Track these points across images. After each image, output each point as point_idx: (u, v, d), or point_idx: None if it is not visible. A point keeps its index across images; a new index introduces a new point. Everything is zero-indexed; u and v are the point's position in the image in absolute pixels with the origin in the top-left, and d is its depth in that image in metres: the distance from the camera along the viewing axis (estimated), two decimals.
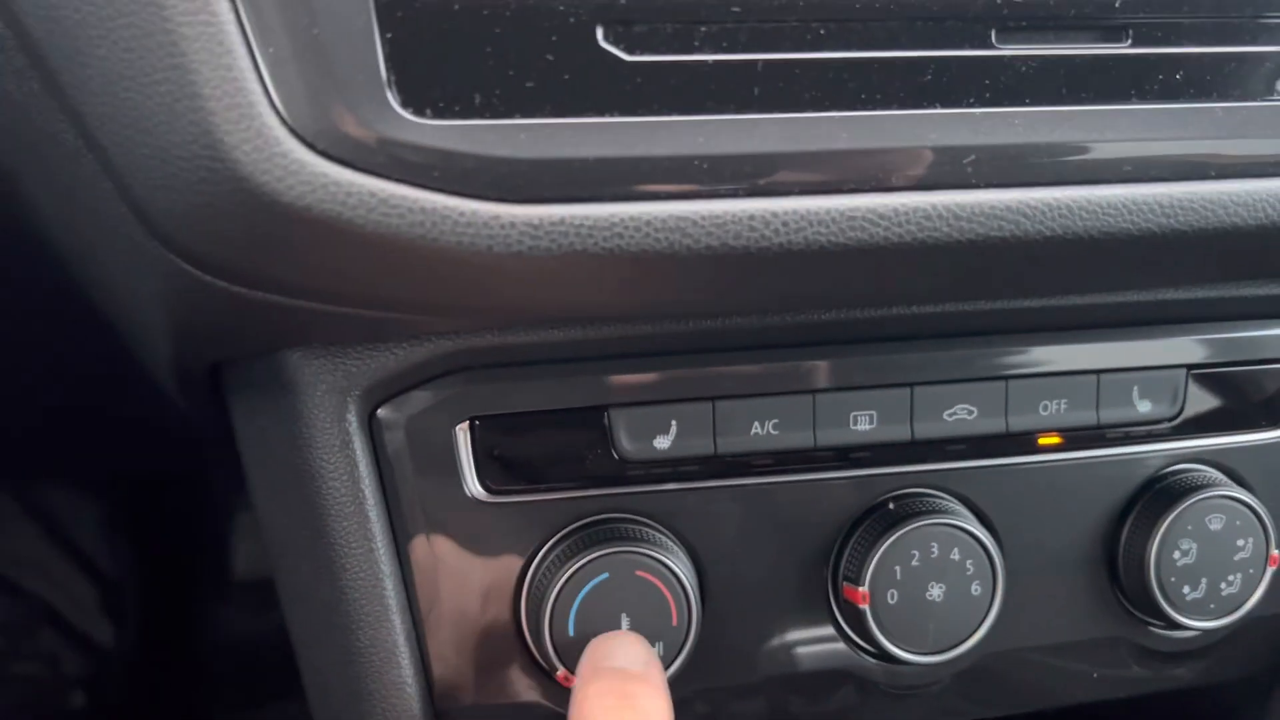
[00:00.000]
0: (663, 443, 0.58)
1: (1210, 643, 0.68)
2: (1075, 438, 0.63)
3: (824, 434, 0.60)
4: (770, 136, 0.43)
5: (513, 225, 0.41)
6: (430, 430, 0.55)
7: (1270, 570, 0.64)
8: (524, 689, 0.59)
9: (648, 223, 0.42)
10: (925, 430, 0.61)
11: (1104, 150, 0.46)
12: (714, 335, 0.57)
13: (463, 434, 0.56)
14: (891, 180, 0.44)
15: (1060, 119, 0.46)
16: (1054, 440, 0.62)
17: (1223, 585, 0.64)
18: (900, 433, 0.61)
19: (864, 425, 0.60)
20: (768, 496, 0.60)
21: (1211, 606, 0.64)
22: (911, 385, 0.60)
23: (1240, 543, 0.63)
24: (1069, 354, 0.62)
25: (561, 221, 0.42)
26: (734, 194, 0.43)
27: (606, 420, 0.57)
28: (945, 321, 0.59)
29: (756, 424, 0.59)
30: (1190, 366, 0.64)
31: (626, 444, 0.58)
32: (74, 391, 0.79)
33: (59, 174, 0.46)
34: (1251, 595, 0.64)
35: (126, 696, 1.31)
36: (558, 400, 0.57)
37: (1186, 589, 0.63)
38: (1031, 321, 0.61)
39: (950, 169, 0.45)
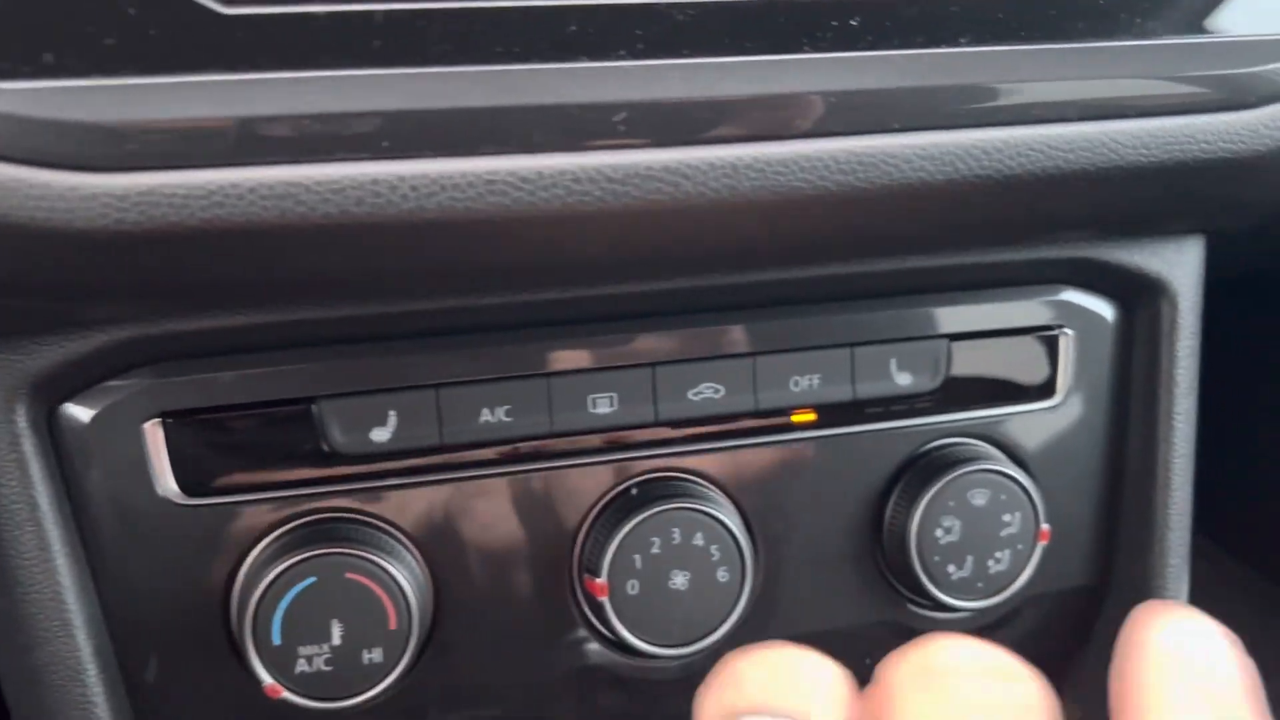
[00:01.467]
0: (381, 435, 0.54)
1: (986, 623, 0.65)
2: (831, 414, 0.60)
3: (561, 419, 0.56)
4: (394, 94, 0.40)
5: (94, 197, 0.38)
6: (117, 428, 0.51)
7: (1040, 546, 0.62)
8: (233, 703, 0.55)
9: (252, 190, 0.39)
10: (670, 411, 0.58)
11: (772, 104, 0.43)
12: (436, 316, 0.53)
13: (153, 432, 0.52)
14: (534, 141, 0.41)
15: (722, 71, 0.42)
16: (808, 417, 0.60)
17: (990, 563, 0.61)
18: (644, 414, 0.57)
19: (604, 408, 0.57)
20: (502, 488, 0.56)
21: (979, 585, 0.61)
22: (653, 365, 0.57)
23: (1007, 518, 0.61)
24: (820, 327, 0.59)
25: (151, 191, 0.38)
26: (354, 157, 0.39)
27: (315, 412, 0.53)
28: (685, 297, 0.56)
29: (486, 411, 0.55)
30: (951, 336, 0.61)
31: (339, 437, 0.54)
32: None
33: None
34: (1021, 573, 0.62)
35: None
36: (259, 393, 0.53)
37: (952, 568, 0.60)
38: (779, 294, 0.58)
39: (599, 128, 0.41)
